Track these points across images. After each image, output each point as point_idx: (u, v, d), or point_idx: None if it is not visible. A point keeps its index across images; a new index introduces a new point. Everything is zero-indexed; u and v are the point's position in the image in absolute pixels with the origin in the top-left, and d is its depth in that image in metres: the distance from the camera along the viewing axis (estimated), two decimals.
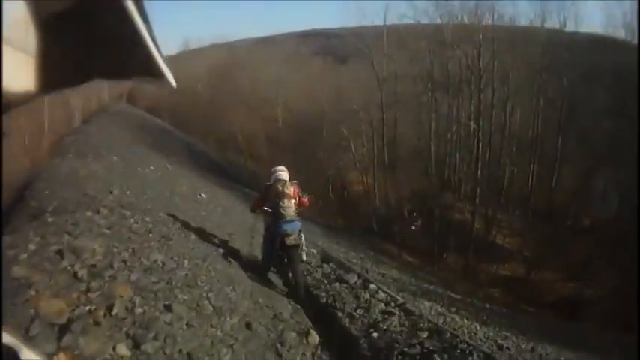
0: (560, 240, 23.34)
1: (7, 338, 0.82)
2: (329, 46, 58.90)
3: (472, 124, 28.53)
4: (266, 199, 7.77)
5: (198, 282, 5.77)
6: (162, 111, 47.53)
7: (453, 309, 11.47)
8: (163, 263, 5.75)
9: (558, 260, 22.73)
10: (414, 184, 32.27)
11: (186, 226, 8.55)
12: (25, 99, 0.68)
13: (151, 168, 14.88)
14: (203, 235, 8.57)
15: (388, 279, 12.51)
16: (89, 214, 6.54)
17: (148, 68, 0.73)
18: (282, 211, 7.39)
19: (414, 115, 33.62)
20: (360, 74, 37.85)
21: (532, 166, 29.72)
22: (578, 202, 27.20)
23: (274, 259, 7.87)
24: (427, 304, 10.80)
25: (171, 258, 6.06)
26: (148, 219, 7.51)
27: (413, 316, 6.86)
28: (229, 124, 43.54)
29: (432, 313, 9.69)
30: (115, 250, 5.45)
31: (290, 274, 7.79)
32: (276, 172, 7.85)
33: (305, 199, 7.79)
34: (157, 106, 48.57)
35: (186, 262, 6.16)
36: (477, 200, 27.06)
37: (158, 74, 0.74)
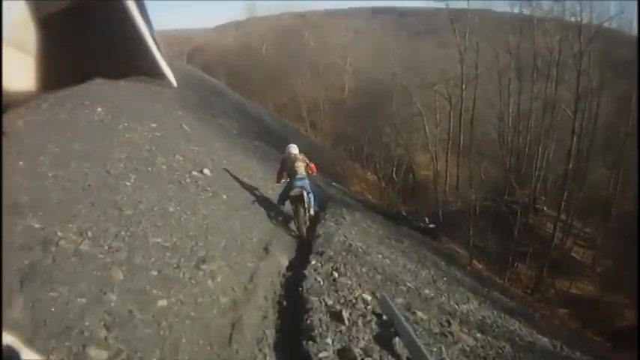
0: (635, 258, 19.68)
1: (7, 338, 0.84)
2: (402, 23, 55.87)
3: (568, 111, 25.15)
4: (284, 167, 10.29)
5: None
6: (220, 70, 45.37)
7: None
8: None
9: (631, 282, 19.42)
10: (491, 174, 29.45)
11: None
12: (25, 99, 0.69)
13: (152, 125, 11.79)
14: None
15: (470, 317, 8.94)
16: None
17: (148, 68, 0.73)
18: (296, 169, 9.85)
19: (496, 94, 29.75)
20: (436, 50, 35.22)
21: (618, 169, 26.26)
22: None
23: (283, 203, 10.18)
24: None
25: None
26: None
27: None
28: (292, 88, 41.83)
29: None
30: None
31: (295, 221, 9.85)
32: (289, 147, 10.66)
33: (312, 165, 10.32)
34: (215, 65, 46.82)
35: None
36: (563, 204, 24.14)
37: (159, 74, 0.74)
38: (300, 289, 6.47)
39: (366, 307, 6.29)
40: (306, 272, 7.03)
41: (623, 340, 16.82)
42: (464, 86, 29.14)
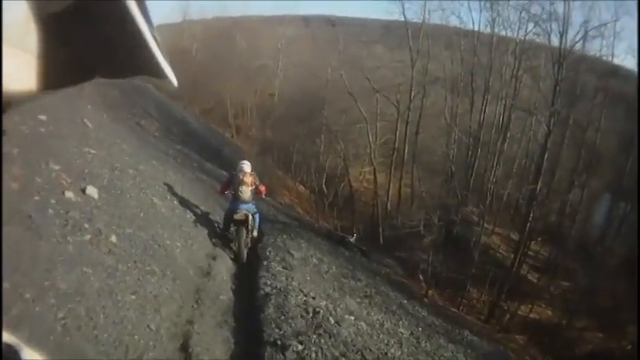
0: (591, 279, 20.07)
1: (7, 338, 0.84)
2: (335, 31, 55.61)
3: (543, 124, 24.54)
4: (229, 184, 10.18)
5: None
6: None
7: None
8: None
9: (587, 304, 19.95)
10: (435, 189, 27.98)
11: None
12: (25, 99, 0.69)
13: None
14: None
15: None
16: None
17: (149, 68, 0.73)
18: (240, 194, 9.72)
19: (447, 103, 29.04)
20: (374, 59, 34.28)
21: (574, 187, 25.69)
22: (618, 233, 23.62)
23: (229, 228, 10.06)
24: None
25: None
26: None
27: None
28: (219, 91, 40.19)
29: None
30: None
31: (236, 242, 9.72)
32: (241, 164, 10.30)
33: (262, 188, 10.17)
34: None
35: None
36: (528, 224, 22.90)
37: (159, 74, 0.74)
38: None
39: None
40: None
41: None
42: (412, 94, 28.03)
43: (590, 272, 20.40)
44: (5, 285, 3.93)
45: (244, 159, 10.98)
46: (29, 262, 4.52)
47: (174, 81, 0.75)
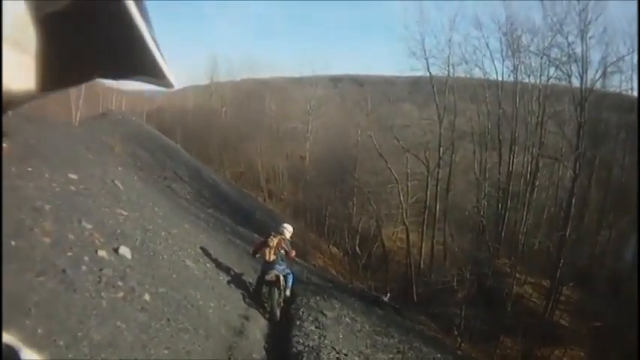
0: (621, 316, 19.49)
1: (7, 338, 0.82)
2: (362, 91, 56.38)
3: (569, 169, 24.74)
4: (264, 245, 10.00)
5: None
6: (177, 132, 44.85)
7: None
8: None
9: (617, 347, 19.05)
10: (467, 244, 27.58)
11: None
12: (25, 99, 0.67)
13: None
14: None
15: None
16: None
17: (148, 68, 0.71)
18: (266, 257, 9.74)
19: (476, 157, 29.19)
20: (406, 116, 34.58)
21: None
22: None
23: (261, 289, 10.11)
24: None
25: None
26: None
27: None
28: (250, 154, 40.74)
29: None
30: None
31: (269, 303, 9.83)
32: (281, 227, 10.47)
33: (292, 254, 10.14)
34: (173, 127, 46.38)
35: None
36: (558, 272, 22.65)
37: (159, 75, 0.72)
38: None
39: None
40: None
41: None
42: (441, 150, 28.02)
43: (620, 309, 19.86)
44: (39, 330, 4.16)
45: (278, 222, 11.57)
46: (63, 313, 4.71)
47: (174, 81, 0.73)
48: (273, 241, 9.77)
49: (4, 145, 4.26)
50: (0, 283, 2.98)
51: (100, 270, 5.95)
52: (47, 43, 0.63)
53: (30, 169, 7.41)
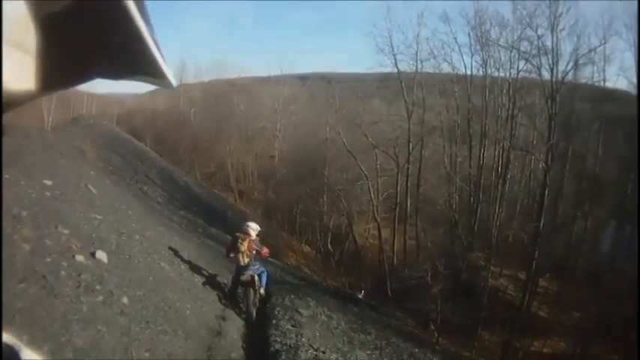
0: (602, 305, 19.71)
1: (7, 338, 0.84)
2: (330, 88, 56.33)
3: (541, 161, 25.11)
4: (234, 246, 9.94)
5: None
6: (148, 134, 44.91)
7: None
8: None
9: (602, 331, 19.39)
10: (440, 238, 27.84)
11: None
12: (25, 99, 0.68)
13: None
14: None
15: None
16: None
17: (148, 68, 0.72)
18: (239, 258, 9.78)
19: (446, 151, 29.14)
20: (375, 112, 34.26)
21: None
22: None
23: (237, 289, 10.19)
24: None
25: None
26: None
27: None
28: (220, 155, 40.87)
29: None
30: None
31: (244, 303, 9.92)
32: (247, 226, 10.25)
33: (265, 250, 10.13)
34: (143, 130, 46.33)
35: None
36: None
37: (159, 74, 0.73)
38: None
39: None
40: None
41: None
42: (411, 146, 28.10)
43: (601, 298, 20.24)
44: (24, 337, 3.96)
45: (248, 221, 10.91)
46: (46, 319, 4.76)
47: (173, 81, 0.75)
48: (243, 245, 9.74)
49: None
50: (0, 284, 3.24)
51: (79, 275, 6.04)
52: (47, 43, 0.65)
53: (7, 176, 7.40)
